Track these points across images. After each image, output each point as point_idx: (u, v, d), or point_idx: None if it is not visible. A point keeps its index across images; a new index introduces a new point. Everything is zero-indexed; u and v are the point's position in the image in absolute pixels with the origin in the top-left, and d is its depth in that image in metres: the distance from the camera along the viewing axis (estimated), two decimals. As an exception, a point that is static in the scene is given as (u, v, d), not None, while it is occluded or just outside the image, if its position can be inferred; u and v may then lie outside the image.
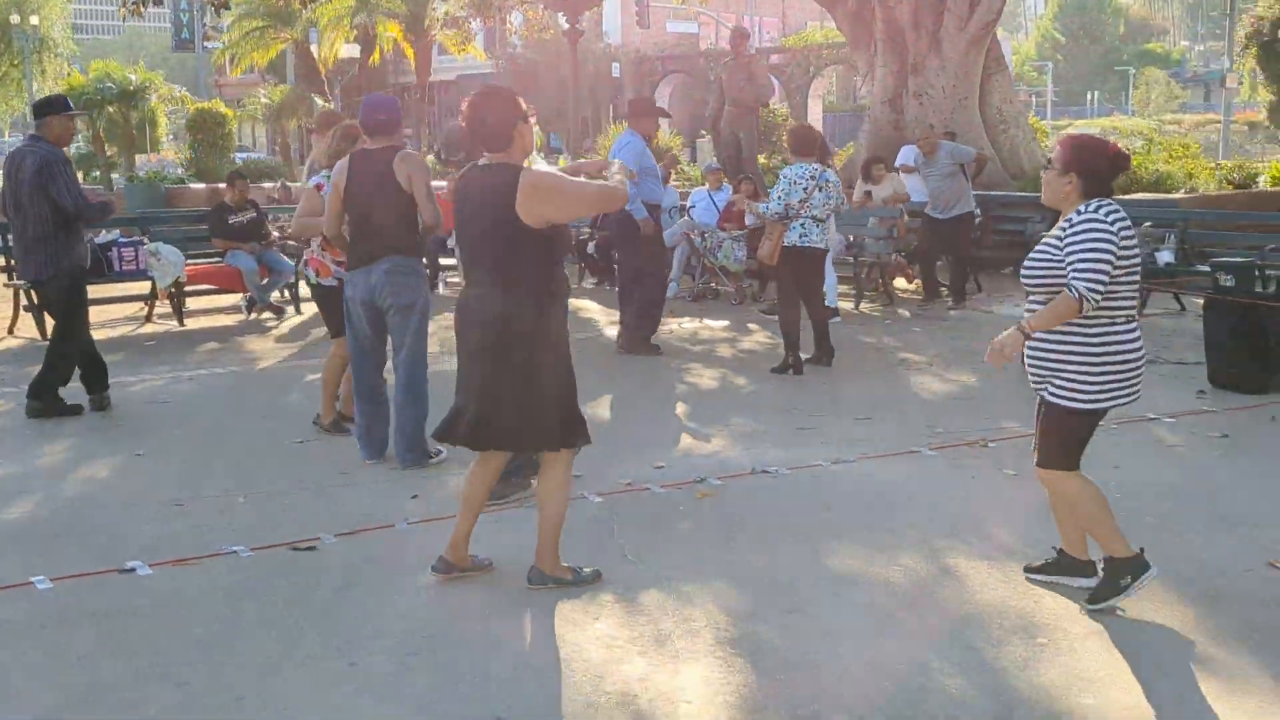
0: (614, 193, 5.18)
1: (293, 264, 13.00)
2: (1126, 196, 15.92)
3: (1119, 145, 5.02)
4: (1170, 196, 15.91)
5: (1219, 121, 42.71)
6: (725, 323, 12.34)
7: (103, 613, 4.95)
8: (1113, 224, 4.67)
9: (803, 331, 9.75)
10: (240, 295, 13.13)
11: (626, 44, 50.11)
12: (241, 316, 12.99)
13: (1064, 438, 4.86)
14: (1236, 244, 12.77)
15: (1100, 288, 4.57)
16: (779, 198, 9.60)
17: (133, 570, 5.42)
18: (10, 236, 9.06)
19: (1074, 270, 4.57)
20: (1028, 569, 5.25)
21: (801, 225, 9.56)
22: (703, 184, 15.34)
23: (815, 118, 48.55)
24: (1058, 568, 5.18)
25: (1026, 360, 4.90)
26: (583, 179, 5.34)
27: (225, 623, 4.84)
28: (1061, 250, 4.65)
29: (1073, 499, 4.95)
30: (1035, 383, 4.94)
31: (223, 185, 18.23)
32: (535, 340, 4.94)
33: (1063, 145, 4.90)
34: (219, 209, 12.87)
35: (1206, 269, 12.30)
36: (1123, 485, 6.46)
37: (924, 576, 5.26)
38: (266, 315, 12.89)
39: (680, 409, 8.61)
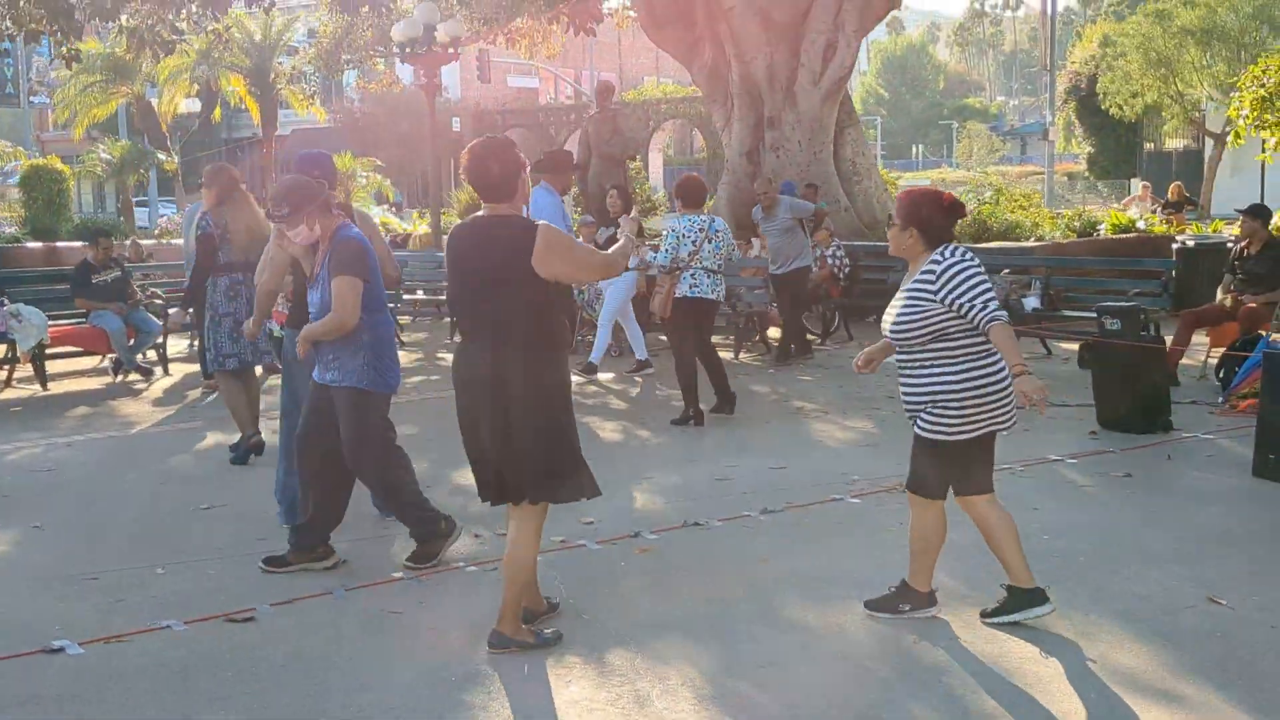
0: (616, 265, 5.25)
1: (160, 324, 12.59)
2: (981, 245, 16.45)
3: (952, 194, 5.23)
4: (1025, 245, 16.46)
5: (1039, 172, 44.49)
6: (610, 375, 12.30)
7: (39, 698, 4.64)
8: (972, 259, 4.92)
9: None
10: (105, 357, 12.62)
11: (466, 98, 50.09)
12: (108, 379, 12.48)
13: (936, 468, 5.10)
14: (1100, 290, 13.29)
15: (1000, 312, 4.82)
16: (666, 251, 9.62)
17: (61, 650, 5.11)
18: None
19: (978, 306, 4.81)
20: (983, 614, 5.31)
21: (692, 276, 9.60)
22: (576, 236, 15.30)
23: (655, 170, 49.17)
24: (1010, 606, 5.25)
25: (901, 394, 5.07)
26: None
27: (178, 701, 4.59)
28: (938, 300, 4.81)
29: (925, 526, 5.18)
30: (909, 414, 5.14)
31: (61, 245, 17.65)
32: (538, 393, 4.88)
33: (900, 200, 5.10)
34: (82, 268, 12.38)
35: (1072, 314, 12.82)
36: (1046, 526, 6.63)
37: (881, 624, 5.26)
38: (134, 377, 12.40)
39: (591, 463, 8.49)
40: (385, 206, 28.91)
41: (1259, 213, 11.29)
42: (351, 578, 5.98)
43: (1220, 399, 9.92)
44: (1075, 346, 12.41)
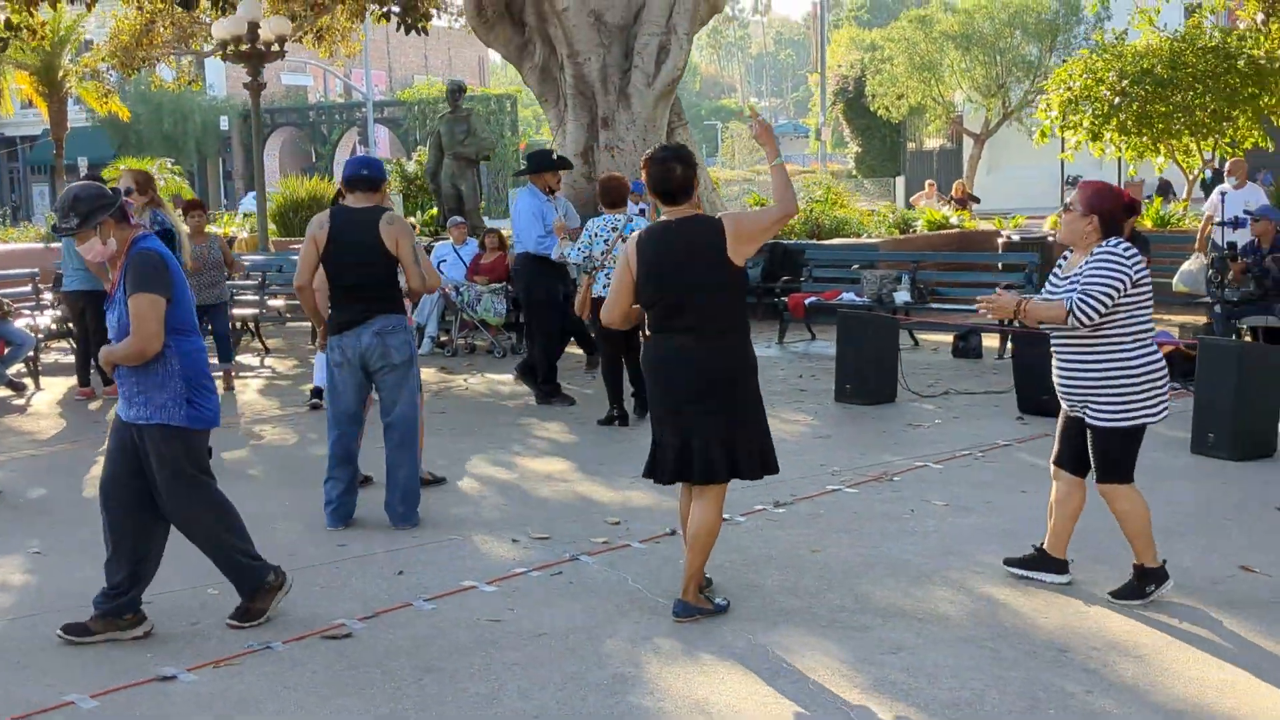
0: (789, 204, 5.32)
1: (33, 337, 11.93)
2: (828, 242, 17.07)
3: (1130, 194, 5.62)
4: (870, 240, 17.12)
5: (805, 171, 46.06)
6: (507, 376, 12.27)
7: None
8: (1129, 258, 5.22)
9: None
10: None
11: (234, 96, 48.55)
12: (-24, 396, 11.75)
13: (1118, 454, 5.38)
14: (964, 284, 14.00)
15: (1092, 313, 5.16)
16: (578, 249, 9.68)
17: (173, 678, 4.91)
18: None
19: (1082, 289, 5.15)
20: (1006, 561, 5.81)
21: (606, 275, 9.60)
22: (445, 238, 15.21)
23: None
24: (1035, 563, 5.73)
25: (1060, 383, 5.39)
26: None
27: (346, 722, 4.50)
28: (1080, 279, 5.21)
29: (1125, 512, 5.42)
30: (1070, 405, 5.45)
31: None
32: (749, 375, 5.35)
33: (1084, 189, 5.43)
34: (-56, 278, 11.61)
35: (941, 307, 13.47)
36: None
37: (975, 604, 5.54)
38: (7, 393, 11.71)
39: (561, 466, 8.53)
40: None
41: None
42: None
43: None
44: (949, 339, 13.08)
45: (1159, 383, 5.33)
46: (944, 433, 9.13)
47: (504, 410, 10.61)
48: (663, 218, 5.41)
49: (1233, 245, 11.94)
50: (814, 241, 16.89)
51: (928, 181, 30.63)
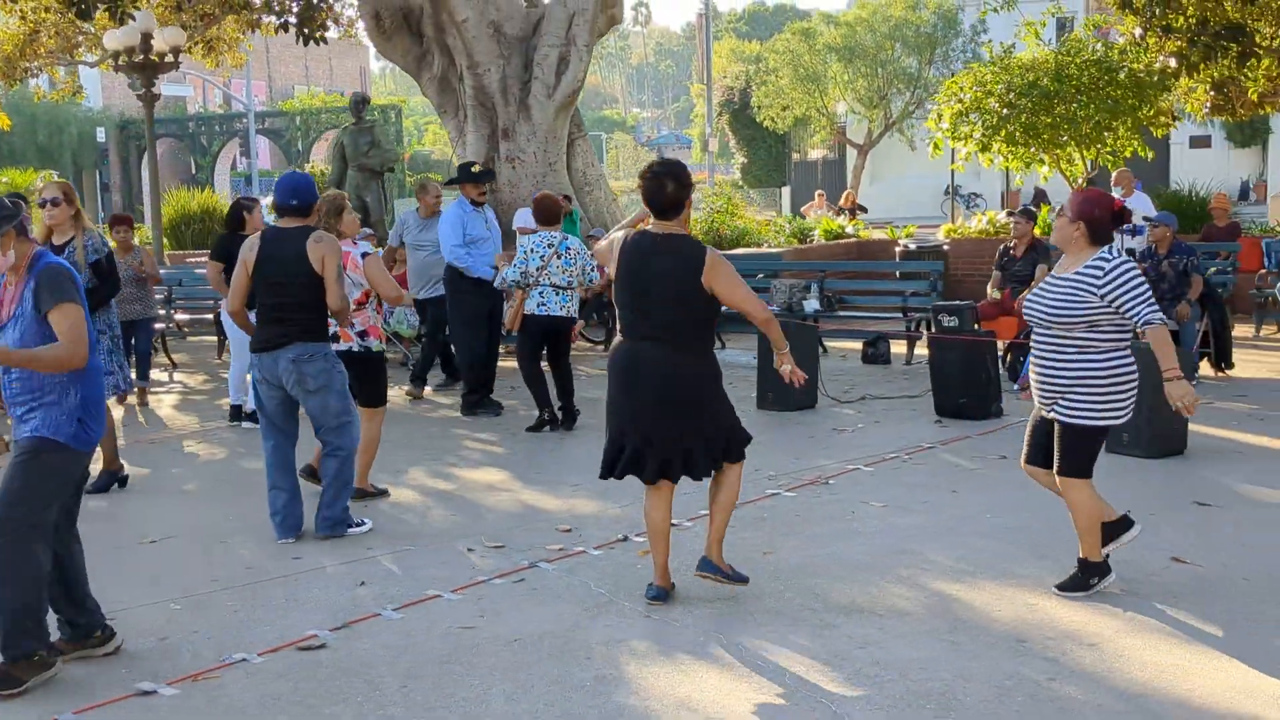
0: (765, 316, 5.75)
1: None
2: (731, 251, 17.34)
3: (1121, 202, 5.92)
4: (773, 250, 17.43)
5: (700, 183, 46.47)
6: (429, 388, 12.29)
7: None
8: (1132, 264, 5.59)
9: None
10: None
11: (110, 107, 47.52)
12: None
13: (1082, 450, 5.63)
14: (871, 291, 14.35)
15: (1161, 317, 5.49)
16: (516, 265, 9.79)
17: (154, 692, 4.90)
18: None
19: (1143, 307, 5.43)
20: (1059, 586, 5.86)
21: (540, 293, 9.71)
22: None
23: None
24: (1083, 579, 5.84)
25: (1036, 379, 5.64)
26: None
27: (340, 730, 4.54)
28: (1099, 296, 5.40)
29: (1083, 504, 5.68)
30: (1043, 401, 5.66)
31: None
32: (709, 382, 5.62)
33: (1074, 197, 5.77)
34: None
35: (849, 314, 13.79)
36: (983, 506, 7.30)
37: (930, 602, 5.75)
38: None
39: (500, 475, 8.59)
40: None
41: (1030, 215, 12.53)
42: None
43: (1015, 386, 10.97)
44: (857, 345, 13.40)
45: (1128, 388, 5.59)
46: (868, 437, 9.38)
47: (432, 422, 10.65)
48: (650, 228, 5.55)
49: (1131, 252, 12.42)
50: (720, 251, 17.09)
51: (817, 192, 31.18)
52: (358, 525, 7.11)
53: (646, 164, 5.66)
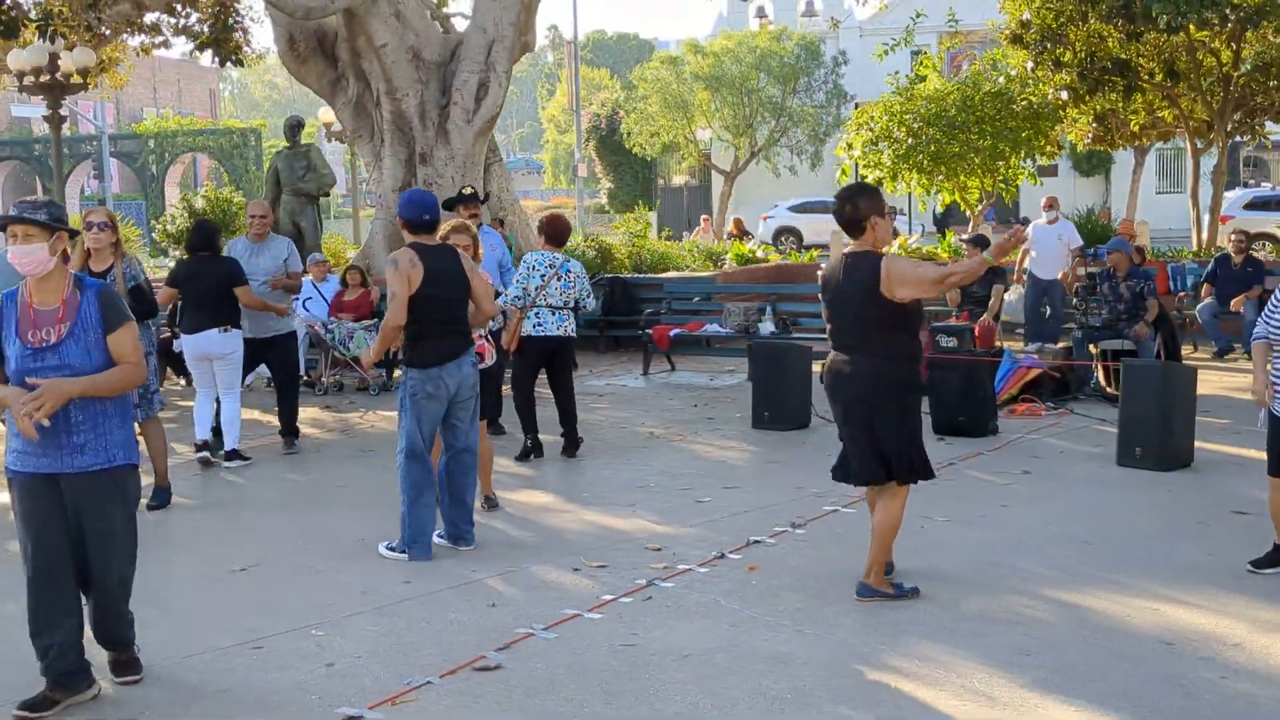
0: (951, 280, 6.03)
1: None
2: (662, 275, 17.60)
3: None
4: (704, 274, 17.74)
5: (559, 207, 46.72)
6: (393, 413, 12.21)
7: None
8: None
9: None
10: None
11: (-47, 129, 45.63)
12: None
13: None
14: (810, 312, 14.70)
15: None
16: (517, 282, 9.78)
17: (360, 717, 4.90)
18: None
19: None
20: (1252, 563, 6.45)
21: (535, 314, 9.64)
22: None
23: (173, 201, 46.94)
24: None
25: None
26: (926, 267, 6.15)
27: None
28: None
29: None
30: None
31: None
32: (901, 391, 6.06)
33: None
34: None
35: (804, 336, 14.11)
36: (1043, 519, 7.65)
37: (1058, 611, 6.05)
38: None
39: (544, 497, 8.64)
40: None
41: (980, 242, 13.05)
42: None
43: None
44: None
45: None
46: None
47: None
48: (847, 248, 5.88)
49: (1093, 275, 13.05)
50: (655, 275, 17.37)
51: (703, 217, 31.74)
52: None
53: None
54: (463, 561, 6.98)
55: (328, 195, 18.66)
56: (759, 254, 21.19)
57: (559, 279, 9.66)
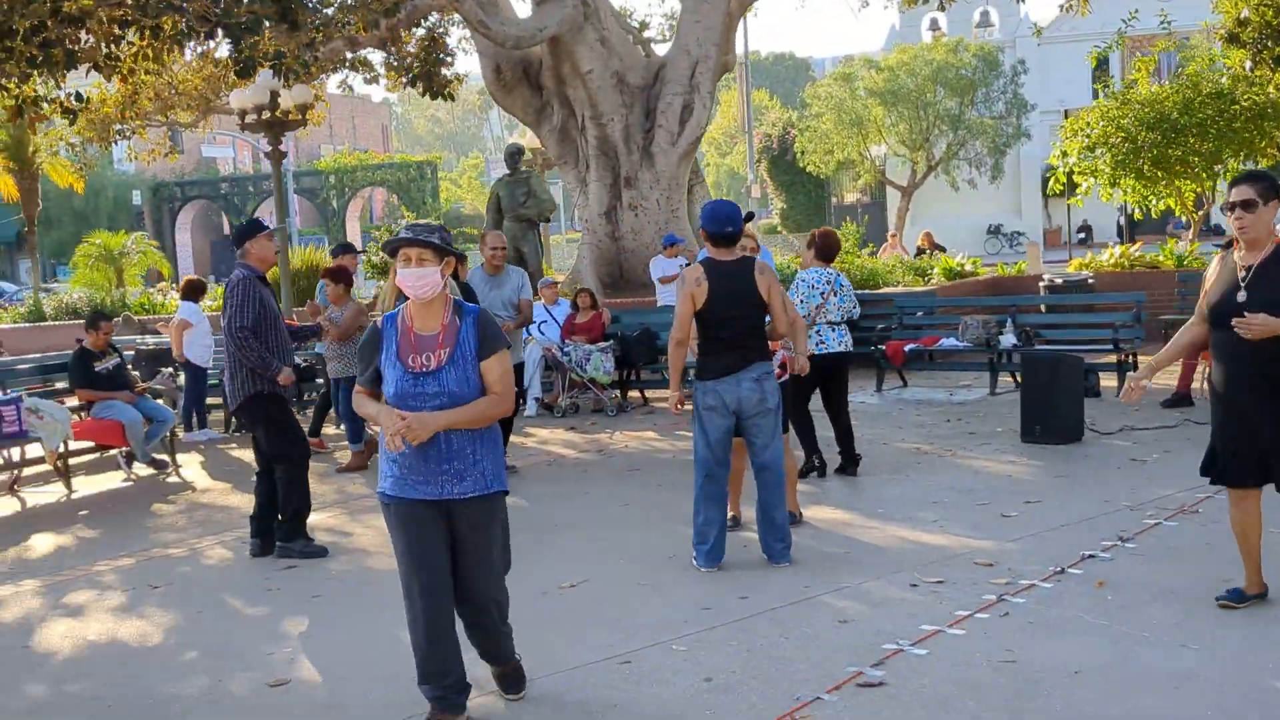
0: None
1: (173, 412, 11.51)
2: (884, 290, 17.33)
3: None
4: (927, 289, 17.45)
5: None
6: (645, 432, 12.20)
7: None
8: None
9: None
10: (119, 452, 11.38)
11: (143, 170, 47.43)
12: (122, 475, 11.25)
13: None
14: (1067, 325, 14.30)
15: None
16: (802, 303, 9.54)
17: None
18: None
19: None
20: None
21: (817, 332, 9.43)
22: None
23: (354, 235, 48.15)
24: None
25: None
26: None
27: None
28: None
29: None
30: None
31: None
32: None
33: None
34: (82, 356, 11.10)
35: (1046, 349, 13.73)
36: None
37: None
38: (148, 471, 11.25)
39: (834, 513, 8.49)
40: (161, 284, 27.00)
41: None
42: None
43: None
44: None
45: None
46: (1172, 468, 9.23)
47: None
48: None
49: None
50: (880, 290, 17.13)
51: (890, 234, 31.28)
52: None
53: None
54: (792, 577, 6.86)
55: (548, 221, 18.79)
56: (967, 267, 20.74)
57: (835, 294, 9.49)
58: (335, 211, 46.76)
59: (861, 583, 6.72)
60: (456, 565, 4.97)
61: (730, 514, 7.74)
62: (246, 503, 9.82)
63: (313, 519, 8.93)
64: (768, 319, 7.16)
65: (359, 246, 43.74)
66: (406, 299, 4.92)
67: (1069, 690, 5.06)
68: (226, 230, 49.09)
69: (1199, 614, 5.91)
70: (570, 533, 8.36)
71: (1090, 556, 6.96)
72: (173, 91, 23.51)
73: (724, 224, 6.95)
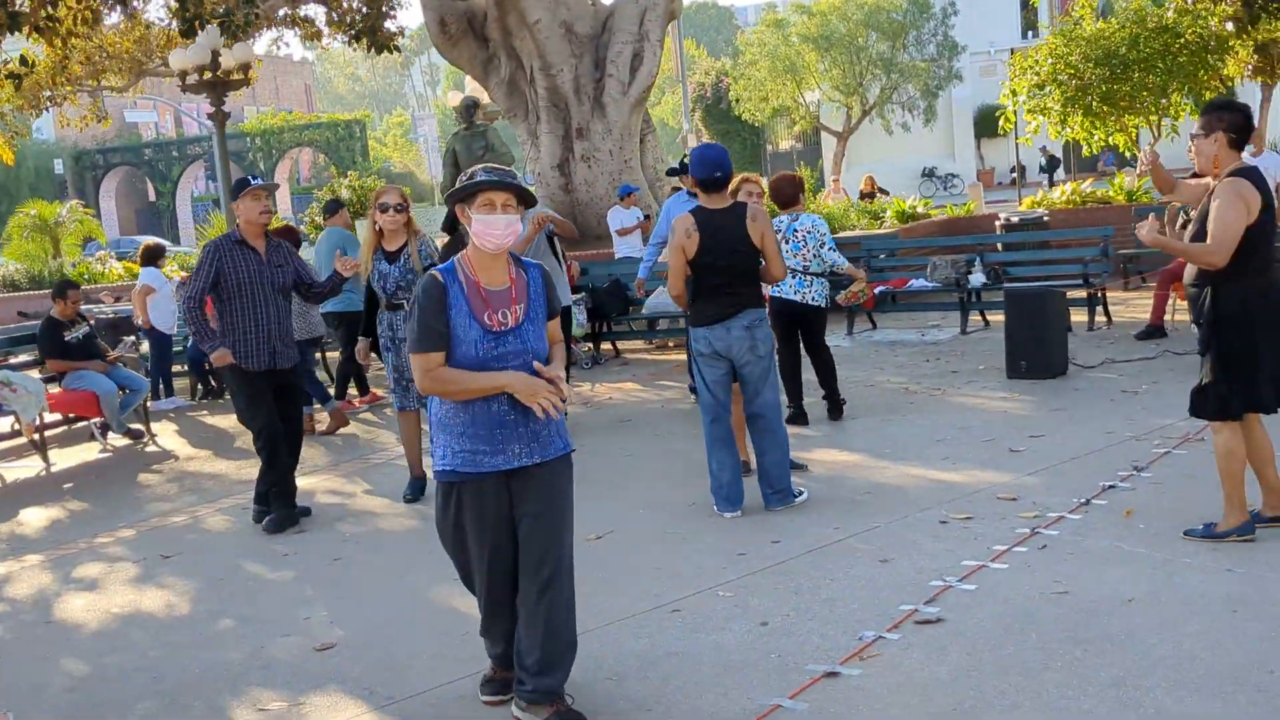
0: None
1: (146, 380, 11.27)
2: (848, 234, 17.33)
3: None
4: (889, 232, 17.48)
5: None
6: (627, 383, 12.14)
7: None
8: None
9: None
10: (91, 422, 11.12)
11: (64, 139, 46.35)
12: (98, 446, 11.00)
13: None
14: (1041, 261, 14.37)
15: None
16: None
17: (836, 674, 4.76)
18: None
19: None
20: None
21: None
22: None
23: (283, 196, 47.43)
24: None
25: None
26: None
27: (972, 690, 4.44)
28: None
29: None
30: None
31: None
32: None
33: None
34: (50, 326, 10.81)
35: (1014, 285, 13.79)
36: None
37: None
38: (124, 441, 11.01)
39: (845, 455, 8.48)
40: (101, 252, 26.42)
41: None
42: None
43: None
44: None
45: None
46: (1163, 398, 9.31)
47: (681, 412, 10.43)
48: None
49: None
50: (849, 234, 17.13)
51: (832, 178, 31.33)
52: (798, 495, 7.20)
53: None
54: (819, 520, 6.83)
55: (507, 174, 18.52)
56: (919, 209, 20.81)
57: (786, 242, 9.24)
58: (263, 173, 45.94)
59: (889, 522, 6.71)
60: (527, 535, 4.54)
61: (741, 459, 7.65)
62: (234, 469, 9.70)
63: (311, 483, 8.81)
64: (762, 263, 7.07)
65: (292, 209, 43.02)
66: (456, 251, 4.71)
67: (1126, 617, 5.08)
68: (152, 197, 48.21)
69: (1232, 538, 5.96)
70: (581, 486, 8.21)
71: (1110, 487, 7.00)
72: (104, 55, 22.97)
73: (712, 169, 6.81)
